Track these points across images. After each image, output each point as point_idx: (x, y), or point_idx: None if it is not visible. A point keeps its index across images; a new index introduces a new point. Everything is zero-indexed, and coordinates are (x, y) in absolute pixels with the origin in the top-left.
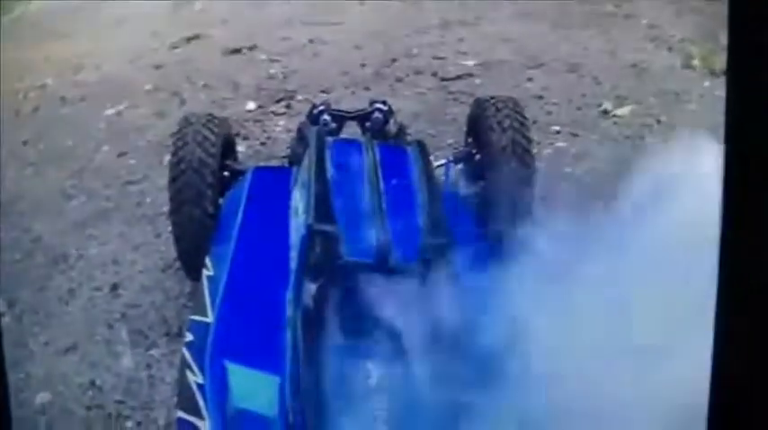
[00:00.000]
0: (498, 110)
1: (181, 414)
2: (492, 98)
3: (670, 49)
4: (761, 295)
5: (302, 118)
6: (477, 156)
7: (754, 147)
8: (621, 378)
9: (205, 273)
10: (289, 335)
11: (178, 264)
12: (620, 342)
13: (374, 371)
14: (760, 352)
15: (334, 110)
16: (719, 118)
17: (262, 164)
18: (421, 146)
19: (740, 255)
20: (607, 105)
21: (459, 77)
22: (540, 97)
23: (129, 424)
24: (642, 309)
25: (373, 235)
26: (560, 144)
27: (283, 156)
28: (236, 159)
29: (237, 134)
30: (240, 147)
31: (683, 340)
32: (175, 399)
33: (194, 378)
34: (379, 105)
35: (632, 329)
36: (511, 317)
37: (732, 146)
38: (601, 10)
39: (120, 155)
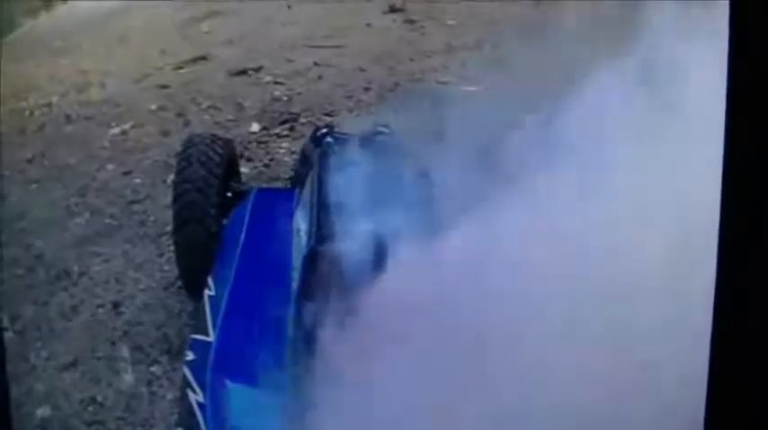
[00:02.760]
0: None
1: None
2: None
3: None
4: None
5: (305, 140)
6: None
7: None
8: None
9: (207, 292)
10: (289, 354)
11: (180, 282)
12: None
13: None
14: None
15: (337, 132)
16: None
17: (265, 185)
18: (422, 169)
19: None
20: None
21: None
22: None
23: None
24: None
25: (373, 257)
26: None
27: (286, 178)
28: (239, 180)
29: (241, 155)
30: (244, 169)
31: None
32: (176, 417)
33: (195, 396)
34: (382, 128)
35: None
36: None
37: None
38: None
39: (125, 173)
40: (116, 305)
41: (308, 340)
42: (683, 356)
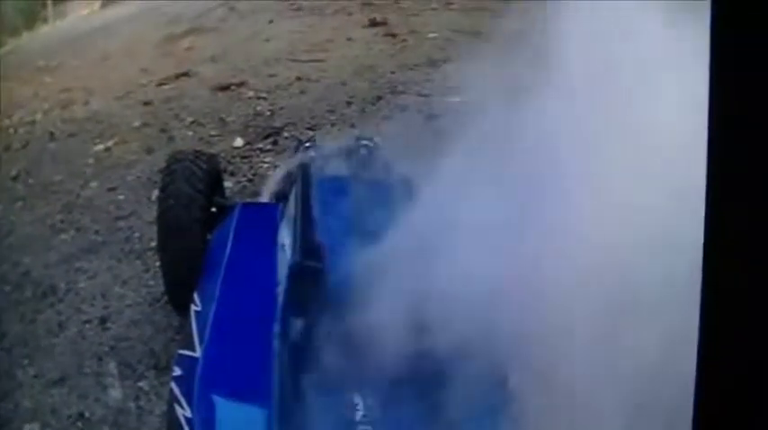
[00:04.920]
0: None
1: None
2: None
3: None
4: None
5: (289, 154)
6: None
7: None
8: None
9: (193, 308)
10: (276, 368)
11: (166, 298)
12: None
13: (360, 405)
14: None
15: (320, 146)
16: None
17: (249, 200)
18: (406, 181)
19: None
20: None
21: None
22: None
23: None
24: None
25: (356, 271)
26: None
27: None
28: (223, 195)
29: (225, 170)
30: (227, 183)
31: None
32: None
33: (183, 411)
34: (365, 142)
35: None
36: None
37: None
38: None
39: (109, 190)
40: (103, 321)
41: (294, 354)
42: None
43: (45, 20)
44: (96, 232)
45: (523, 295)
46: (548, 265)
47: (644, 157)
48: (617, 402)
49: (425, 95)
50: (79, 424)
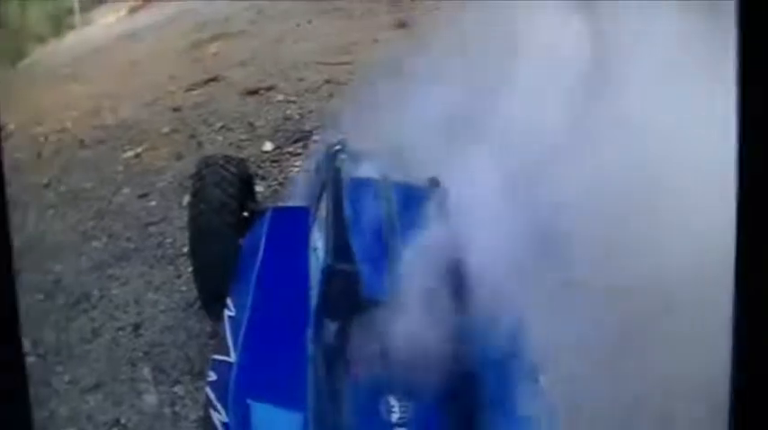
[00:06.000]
0: None
1: None
2: None
3: None
4: None
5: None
6: None
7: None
8: None
9: (227, 313)
10: (310, 372)
11: (199, 303)
12: None
13: (396, 406)
14: None
15: (350, 149)
16: None
17: (280, 204)
18: (436, 183)
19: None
20: None
21: None
22: None
23: None
24: None
25: (390, 273)
26: None
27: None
28: (254, 199)
29: (255, 175)
30: (258, 188)
31: None
32: None
33: (218, 416)
34: (395, 144)
35: None
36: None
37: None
38: None
39: (140, 196)
40: (136, 327)
41: (329, 357)
42: None
43: (72, 27)
44: (128, 239)
45: None
46: None
47: None
48: None
49: None
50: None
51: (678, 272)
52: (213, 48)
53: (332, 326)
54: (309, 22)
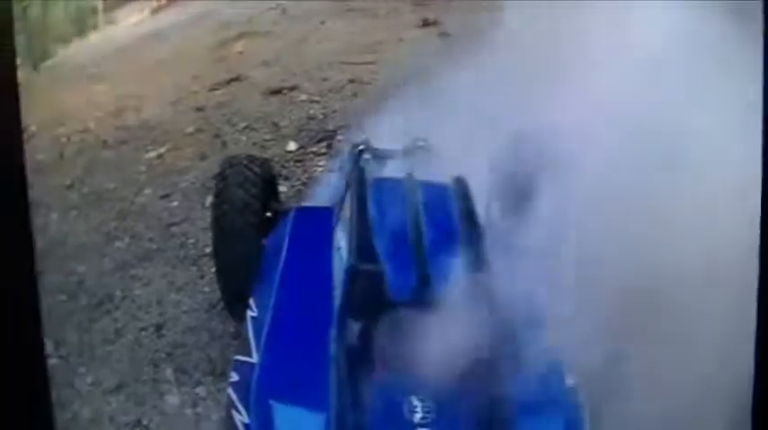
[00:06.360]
0: None
1: None
2: None
3: None
4: None
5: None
6: None
7: None
8: None
9: (249, 313)
10: (333, 372)
11: (222, 304)
12: None
13: (419, 407)
14: None
15: (374, 148)
16: None
17: (304, 204)
18: (461, 183)
19: None
20: None
21: None
22: None
23: None
24: None
25: (414, 273)
26: None
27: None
28: (278, 200)
29: (279, 174)
30: (282, 188)
31: None
32: None
33: (240, 417)
34: (420, 143)
35: None
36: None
37: None
38: None
39: (163, 197)
40: (159, 328)
41: (352, 357)
42: None
43: (95, 27)
44: (150, 239)
45: None
46: None
47: None
48: None
49: None
50: None
51: (696, 272)
52: (237, 47)
53: (355, 327)
54: (324, 22)
